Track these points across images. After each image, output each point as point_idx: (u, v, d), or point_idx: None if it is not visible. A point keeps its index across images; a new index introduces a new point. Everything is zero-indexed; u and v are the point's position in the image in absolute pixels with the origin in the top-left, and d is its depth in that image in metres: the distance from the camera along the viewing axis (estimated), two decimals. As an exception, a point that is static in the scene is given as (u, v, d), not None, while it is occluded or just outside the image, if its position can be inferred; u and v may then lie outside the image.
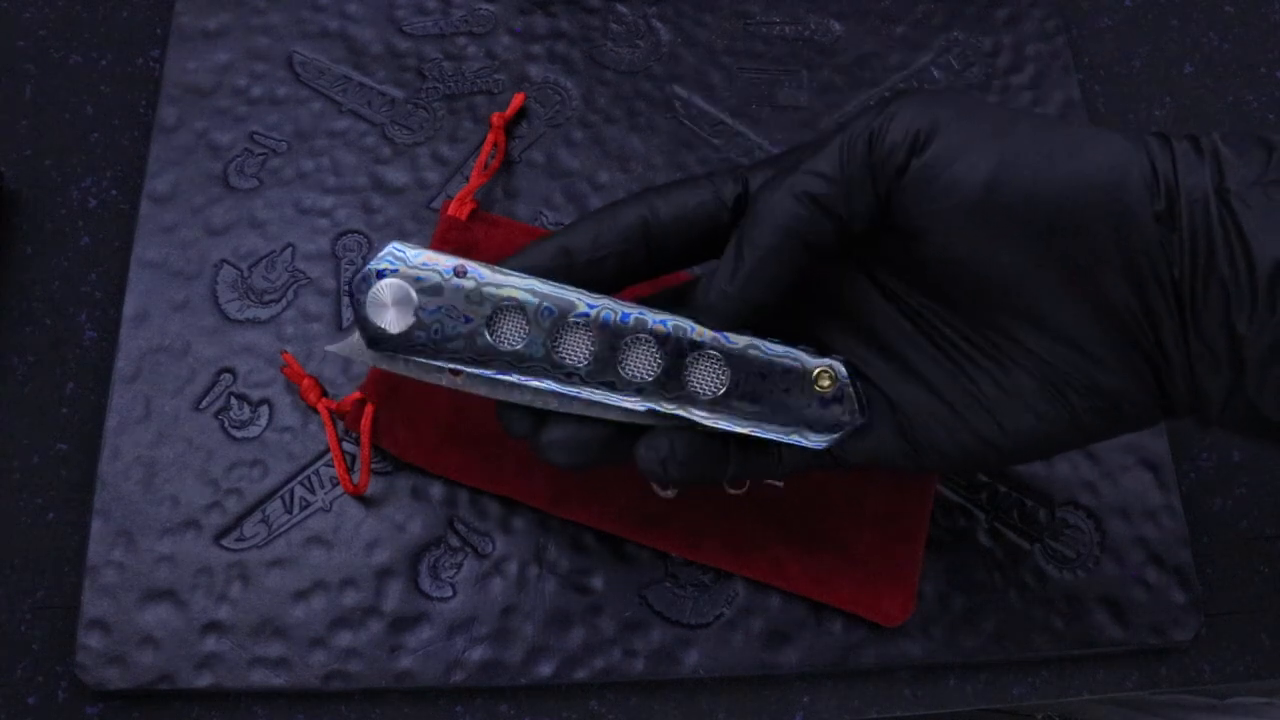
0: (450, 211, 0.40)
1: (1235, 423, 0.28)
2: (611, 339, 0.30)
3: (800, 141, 0.32)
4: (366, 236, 0.40)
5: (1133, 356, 0.28)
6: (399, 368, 0.31)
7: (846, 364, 0.30)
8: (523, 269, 0.30)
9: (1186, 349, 0.27)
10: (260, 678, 0.34)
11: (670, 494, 0.37)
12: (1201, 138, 0.27)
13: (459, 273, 0.30)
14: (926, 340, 0.31)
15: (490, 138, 0.41)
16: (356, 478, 0.36)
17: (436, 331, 0.30)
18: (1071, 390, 0.29)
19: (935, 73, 0.45)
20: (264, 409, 0.38)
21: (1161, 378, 0.28)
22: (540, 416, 0.31)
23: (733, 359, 0.30)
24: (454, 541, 0.37)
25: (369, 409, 0.36)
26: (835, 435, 0.30)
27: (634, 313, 0.30)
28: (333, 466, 0.37)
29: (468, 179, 0.41)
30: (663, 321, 0.30)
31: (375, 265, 0.30)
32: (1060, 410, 0.29)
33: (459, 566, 0.36)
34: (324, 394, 0.37)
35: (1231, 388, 0.27)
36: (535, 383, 0.30)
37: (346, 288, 0.39)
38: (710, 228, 0.31)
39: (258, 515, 0.36)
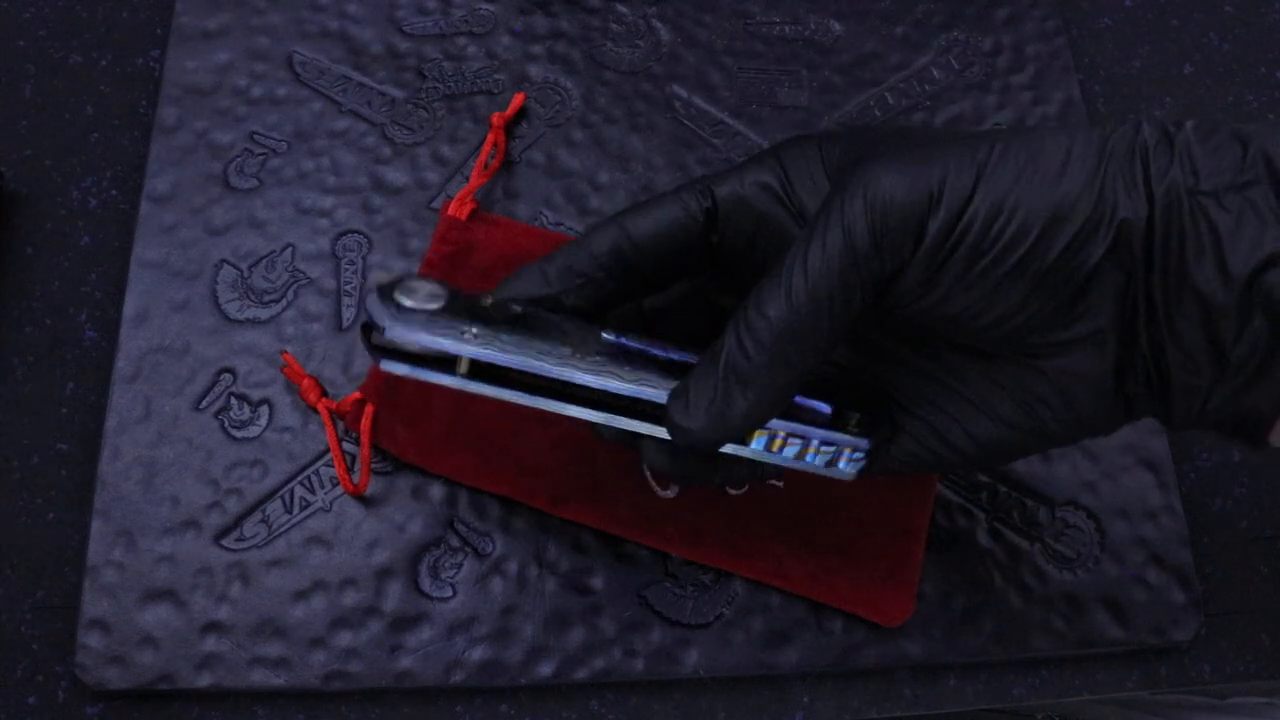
0: (450, 211, 0.40)
1: (1205, 425, 0.28)
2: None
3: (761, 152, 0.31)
4: (366, 236, 0.40)
5: (1104, 366, 0.28)
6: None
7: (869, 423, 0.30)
8: (507, 298, 0.30)
9: (1161, 353, 0.27)
10: (260, 678, 0.34)
11: (670, 494, 0.37)
12: (1176, 133, 0.26)
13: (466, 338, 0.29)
14: (895, 355, 0.31)
15: (490, 138, 0.41)
16: (356, 478, 0.36)
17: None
18: (1041, 403, 0.29)
19: (935, 73, 0.45)
20: (264, 409, 0.38)
21: (1131, 383, 0.28)
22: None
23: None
24: (454, 541, 0.37)
25: (369, 409, 0.36)
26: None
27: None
28: (333, 466, 0.37)
29: (468, 179, 0.41)
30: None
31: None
32: (1030, 420, 0.29)
33: (459, 566, 0.36)
34: (324, 394, 0.37)
35: (1206, 392, 0.27)
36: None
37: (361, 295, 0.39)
38: (684, 243, 0.30)
39: (258, 515, 0.36)
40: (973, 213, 0.26)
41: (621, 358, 0.29)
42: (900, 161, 0.27)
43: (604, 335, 0.29)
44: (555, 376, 0.28)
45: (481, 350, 0.28)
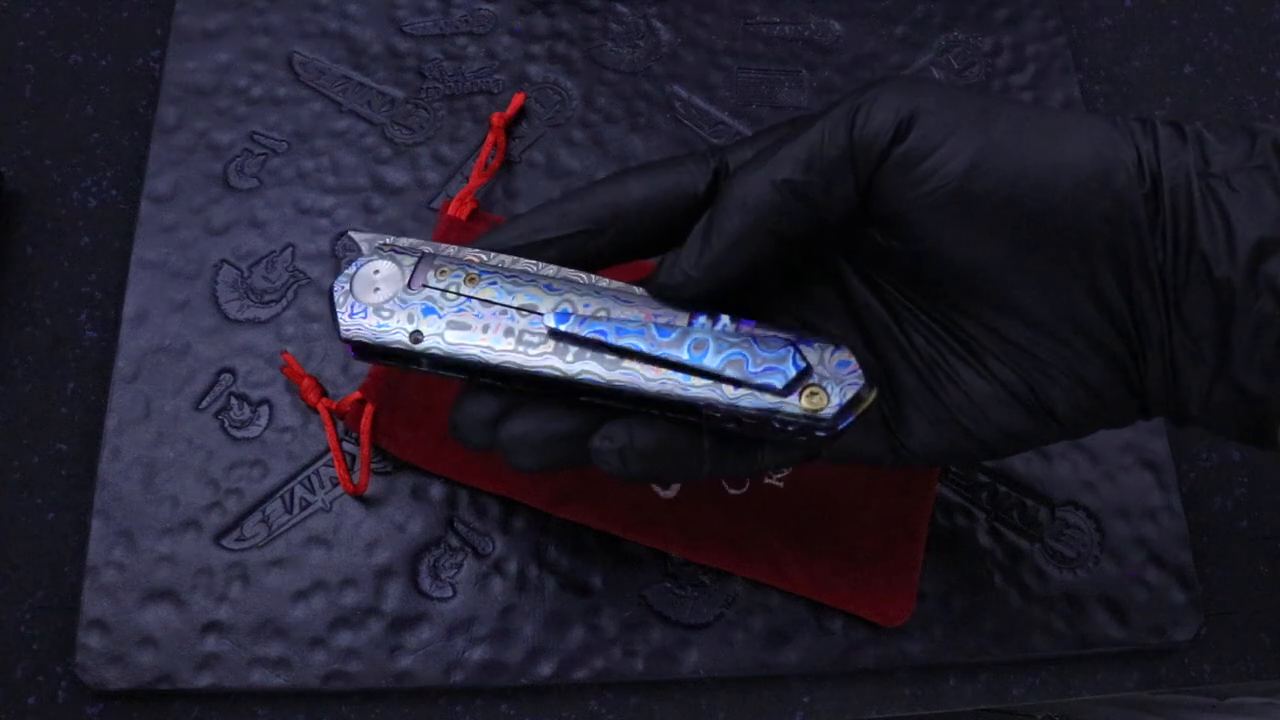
0: (450, 211, 0.40)
1: (1214, 418, 0.28)
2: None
3: (780, 121, 0.31)
4: (366, 236, 0.40)
5: (1115, 349, 0.28)
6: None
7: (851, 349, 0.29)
8: (492, 247, 0.30)
9: (1169, 338, 0.27)
10: (260, 678, 0.34)
11: (670, 494, 0.37)
12: (1185, 124, 0.27)
13: (415, 340, 0.29)
14: (907, 334, 0.31)
15: (490, 138, 0.41)
16: (356, 478, 0.36)
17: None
18: (1053, 384, 0.29)
19: (935, 73, 0.45)
20: (264, 409, 0.38)
21: (1142, 371, 0.28)
22: (496, 423, 0.30)
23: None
24: (454, 541, 0.37)
25: (369, 409, 0.36)
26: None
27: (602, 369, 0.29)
28: (333, 466, 0.37)
29: (468, 179, 0.41)
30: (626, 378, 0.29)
31: (343, 331, 0.29)
32: (1041, 404, 0.29)
33: (459, 566, 0.36)
34: (324, 394, 0.37)
35: (1213, 378, 0.27)
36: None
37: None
38: (684, 210, 0.30)
39: (258, 515, 0.36)
40: (952, 149, 0.27)
41: (570, 341, 0.29)
42: (905, 84, 0.28)
43: (550, 320, 0.29)
44: (499, 366, 0.29)
45: (427, 351, 0.29)
